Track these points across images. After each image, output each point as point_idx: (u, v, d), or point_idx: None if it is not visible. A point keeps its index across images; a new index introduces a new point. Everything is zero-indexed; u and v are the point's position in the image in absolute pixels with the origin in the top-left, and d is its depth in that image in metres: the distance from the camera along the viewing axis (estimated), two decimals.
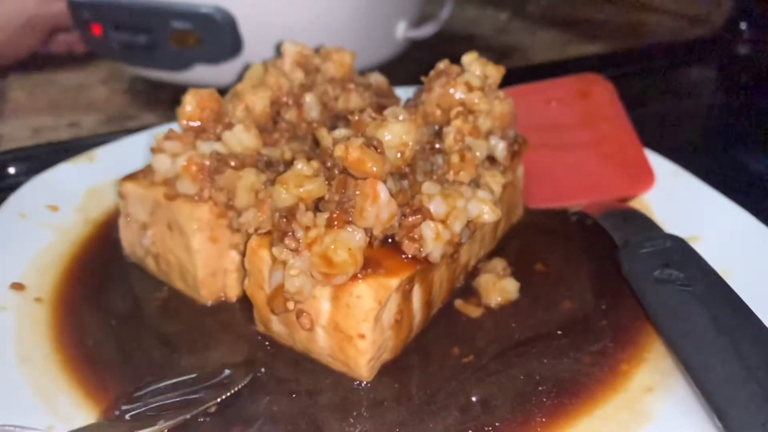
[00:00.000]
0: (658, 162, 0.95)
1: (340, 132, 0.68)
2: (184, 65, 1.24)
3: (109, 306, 0.77)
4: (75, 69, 1.54)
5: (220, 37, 1.20)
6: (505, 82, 0.84)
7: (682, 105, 1.41)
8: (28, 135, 1.26)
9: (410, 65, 1.46)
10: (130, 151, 0.99)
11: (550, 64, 1.53)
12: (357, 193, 0.62)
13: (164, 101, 1.36)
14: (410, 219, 0.64)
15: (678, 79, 1.52)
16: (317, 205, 0.65)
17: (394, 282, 0.63)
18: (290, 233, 0.62)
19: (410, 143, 0.66)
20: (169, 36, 1.20)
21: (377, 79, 0.93)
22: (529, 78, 1.23)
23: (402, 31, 1.37)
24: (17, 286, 0.75)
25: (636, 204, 0.90)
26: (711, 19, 1.77)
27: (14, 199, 0.88)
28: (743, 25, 1.59)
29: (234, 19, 1.19)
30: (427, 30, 1.41)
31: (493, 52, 1.67)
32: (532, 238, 0.87)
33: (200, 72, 1.24)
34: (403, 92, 0.99)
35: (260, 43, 1.21)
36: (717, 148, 1.23)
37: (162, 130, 1.01)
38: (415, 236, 0.64)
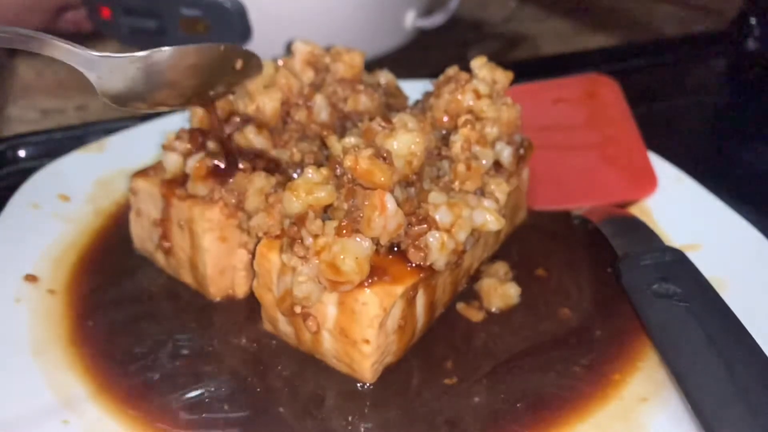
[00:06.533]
0: (661, 167, 0.96)
1: (350, 140, 0.69)
2: None
3: (121, 300, 0.78)
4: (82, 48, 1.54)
5: (230, 25, 1.20)
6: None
7: (688, 101, 1.41)
8: (36, 117, 1.27)
9: (418, 52, 1.46)
10: (140, 141, 1.00)
11: (557, 57, 1.53)
12: (365, 203, 0.63)
13: None
14: (416, 228, 0.66)
15: (685, 75, 1.51)
16: (326, 211, 0.67)
17: (399, 289, 0.65)
18: (299, 240, 0.64)
19: (418, 153, 0.67)
20: (178, 22, 1.20)
21: (386, 77, 0.93)
22: (537, 72, 1.24)
23: (411, 20, 1.37)
24: (30, 278, 0.77)
25: (637, 209, 0.91)
26: (723, 11, 1.76)
27: (26, 188, 0.89)
28: (753, 21, 1.58)
29: (243, 7, 1.19)
30: (436, 19, 1.41)
31: (501, 41, 1.67)
32: (534, 242, 0.89)
33: None
34: (411, 86, 0.99)
35: (269, 31, 1.21)
36: (722, 147, 1.24)
37: (171, 120, 1.04)
38: (421, 245, 0.66)
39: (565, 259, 0.85)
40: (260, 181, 0.72)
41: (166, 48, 0.67)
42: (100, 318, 0.75)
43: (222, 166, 0.73)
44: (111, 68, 0.64)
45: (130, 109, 0.69)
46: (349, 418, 0.65)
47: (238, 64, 0.73)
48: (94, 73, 0.63)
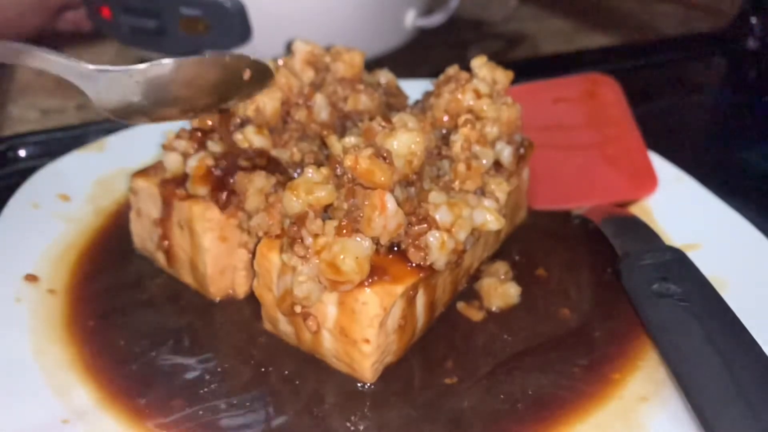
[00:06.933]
0: (661, 166, 0.96)
1: (350, 140, 0.69)
2: (193, 51, 1.23)
3: (121, 299, 0.78)
4: (82, 48, 1.54)
5: (230, 24, 1.20)
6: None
7: (688, 100, 1.41)
8: (36, 117, 1.27)
9: (419, 52, 1.46)
10: (140, 141, 1.00)
11: (557, 57, 1.53)
12: (366, 202, 0.63)
13: None
14: (416, 228, 0.66)
15: (686, 74, 1.52)
16: (326, 210, 0.67)
17: (399, 289, 0.65)
18: (299, 240, 0.64)
19: (418, 153, 0.67)
20: (178, 22, 1.20)
21: (387, 77, 0.93)
22: (537, 71, 1.24)
23: (411, 19, 1.37)
24: (31, 278, 0.77)
25: (637, 208, 0.91)
26: (723, 11, 1.76)
27: (26, 187, 0.89)
28: (753, 20, 1.58)
29: (243, 6, 1.19)
30: (436, 19, 1.41)
31: (501, 40, 1.67)
32: (535, 241, 0.89)
33: None
34: (411, 86, 0.99)
35: (269, 31, 1.21)
36: (723, 146, 1.24)
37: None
38: (421, 245, 0.66)
39: (566, 258, 0.86)
40: (260, 180, 0.72)
41: (167, 61, 0.64)
42: (100, 318, 0.75)
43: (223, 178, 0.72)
44: (108, 82, 0.61)
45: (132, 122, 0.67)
46: (351, 418, 0.65)
47: (246, 74, 0.70)
48: (91, 86, 0.61)
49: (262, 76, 0.72)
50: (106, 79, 0.61)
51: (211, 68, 0.67)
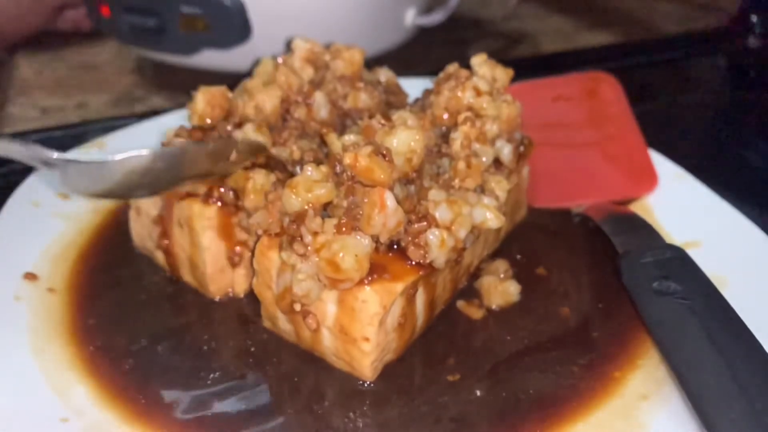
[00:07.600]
0: (661, 164, 0.96)
1: (350, 138, 0.68)
2: (193, 49, 1.24)
3: (120, 298, 0.78)
4: (82, 46, 1.54)
5: (229, 22, 1.19)
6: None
7: (689, 99, 1.41)
8: (36, 115, 1.26)
9: (419, 49, 1.46)
10: (139, 139, 0.99)
11: (557, 55, 1.53)
12: (365, 200, 0.63)
13: (172, 83, 1.36)
14: (416, 226, 0.66)
15: (686, 72, 1.51)
16: (325, 208, 0.66)
17: (399, 287, 0.64)
18: (299, 238, 0.64)
19: (418, 150, 0.67)
20: (178, 20, 1.20)
21: (386, 75, 0.93)
22: (537, 69, 1.24)
23: (411, 17, 1.37)
24: (30, 276, 0.77)
25: (638, 206, 0.91)
26: (724, 8, 1.76)
27: (26, 186, 0.89)
28: (754, 18, 1.58)
29: (243, 5, 1.18)
30: (436, 17, 1.40)
31: (501, 39, 1.67)
32: (535, 240, 0.89)
33: (208, 56, 1.24)
34: (411, 84, 0.99)
35: (269, 29, 1.21)
36: (723, 144, 1.24)
37: (170, 118, 1.04)
38: (421, 243, 0.66)
39: (566, 256, 0.85)
40: (260, 178, 0.71)
41: (145, 152, 0.61)
42: (100, 316, 0.75)
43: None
44: (77, 172, 0.57)
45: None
46: (351, 416, 0.65)
47: (233, 156, 0.67)
48: (58, 174, 0.56)
49: (252, 151, 0.70)
50: (74, 169, 0.57)
51: (195, 155, 0.63)
